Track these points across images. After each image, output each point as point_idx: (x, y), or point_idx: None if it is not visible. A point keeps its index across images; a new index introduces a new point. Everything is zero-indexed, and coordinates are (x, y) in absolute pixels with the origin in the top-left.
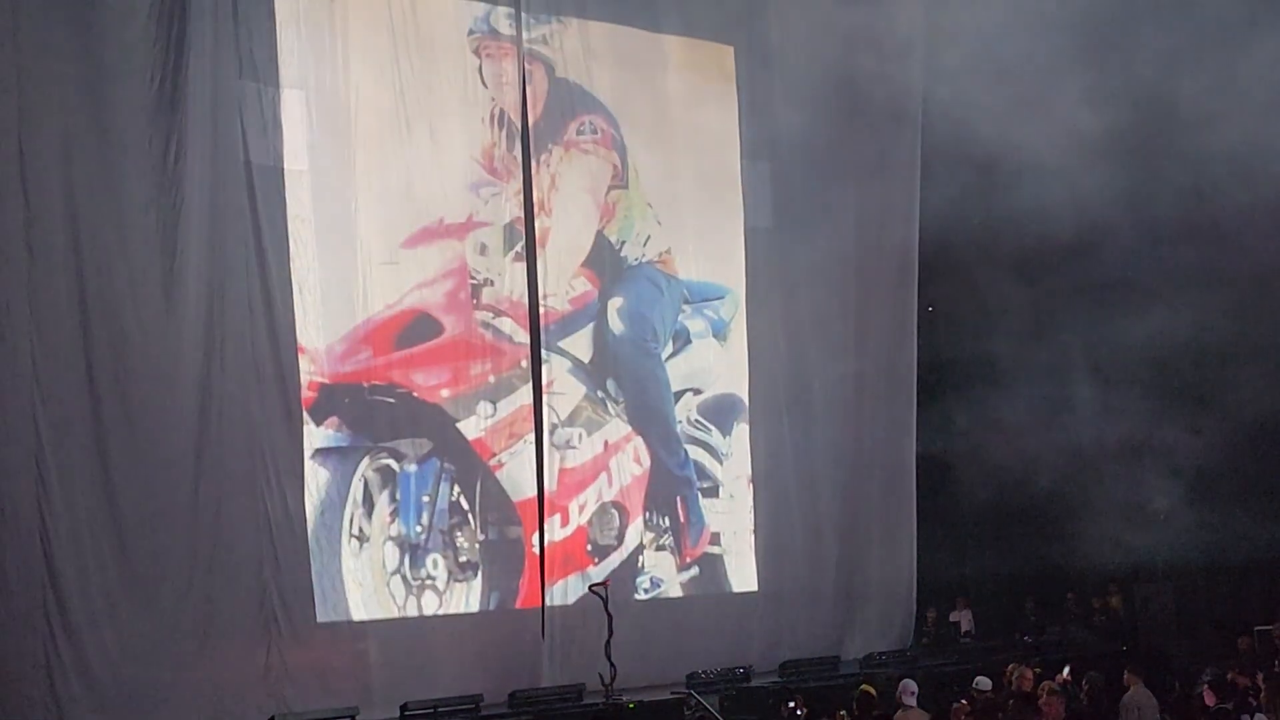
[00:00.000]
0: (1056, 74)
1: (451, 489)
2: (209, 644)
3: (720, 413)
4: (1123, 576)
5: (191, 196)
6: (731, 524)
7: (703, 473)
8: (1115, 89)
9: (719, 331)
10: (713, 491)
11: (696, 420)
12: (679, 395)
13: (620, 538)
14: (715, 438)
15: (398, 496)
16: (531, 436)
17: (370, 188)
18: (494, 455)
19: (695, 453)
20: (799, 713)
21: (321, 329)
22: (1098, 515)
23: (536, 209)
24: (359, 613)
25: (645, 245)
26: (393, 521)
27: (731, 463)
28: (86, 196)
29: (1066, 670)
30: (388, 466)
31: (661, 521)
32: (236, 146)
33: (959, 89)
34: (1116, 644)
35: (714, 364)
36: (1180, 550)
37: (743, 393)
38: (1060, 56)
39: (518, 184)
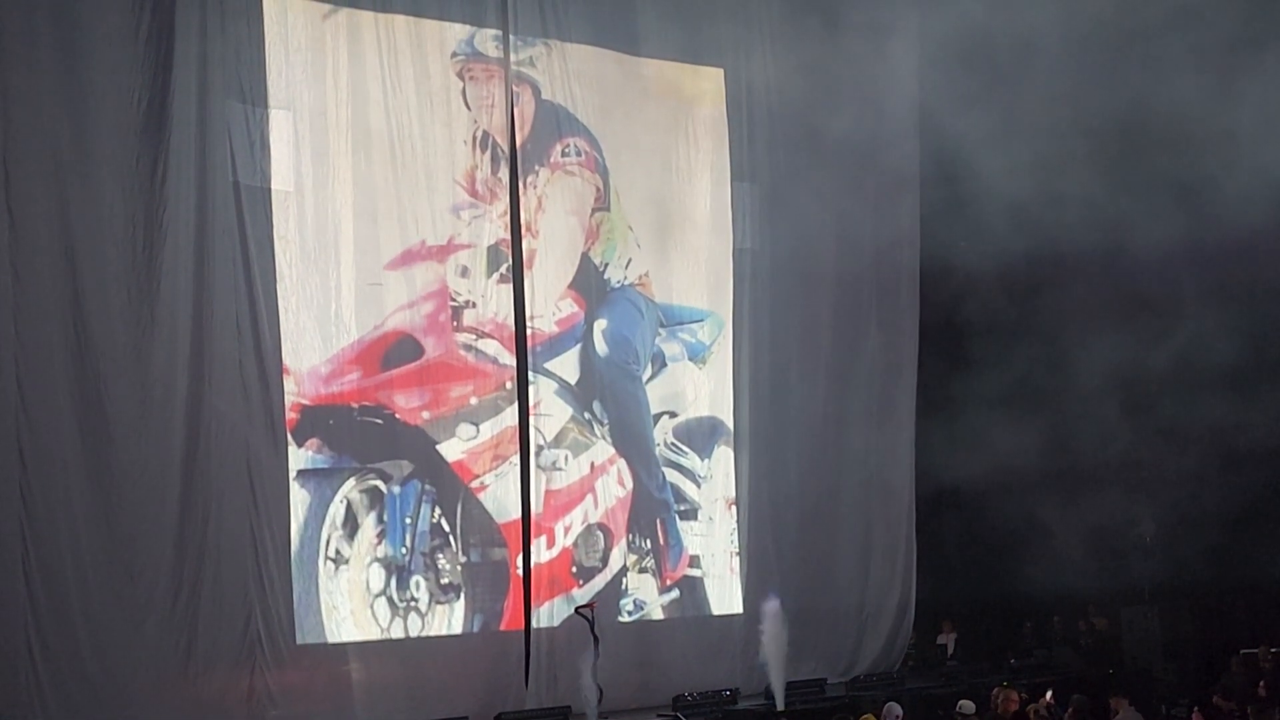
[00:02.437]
0: (1050, 94)
1: (432, 511)
2: (192, 666)
3: (698, 436)
4: (1109, 599)
5: (179, 217)
6: (710, 547)
7: (680, 495)
8: (1113, 105)
9: (697, 355)
10: (690, 514)
11: (672, 443)
12: (656, 418)
13: (605, 560)
14: (692, 461)
15: (385, 518)
16: (516, 458)
17: (355, 209)
18: (477, 477)
19: (671, 475)
20: None
21: (305, 350)
22: (1083, 538)
23: (523, 230)
24: (343, 635)
25: (627, 268)
26: (380, 543)
27: (710, 486)
28: (73, 217)
29: (1049, 694)
30: (375, 488)
31: (643, 544)
32: (224, 167)
33: (946, 106)
34: (1103, 667)
35: (688, 387)
36: (1167, 573)
37: (723, 415)
38: (1053, 76)
39: (501, 206)
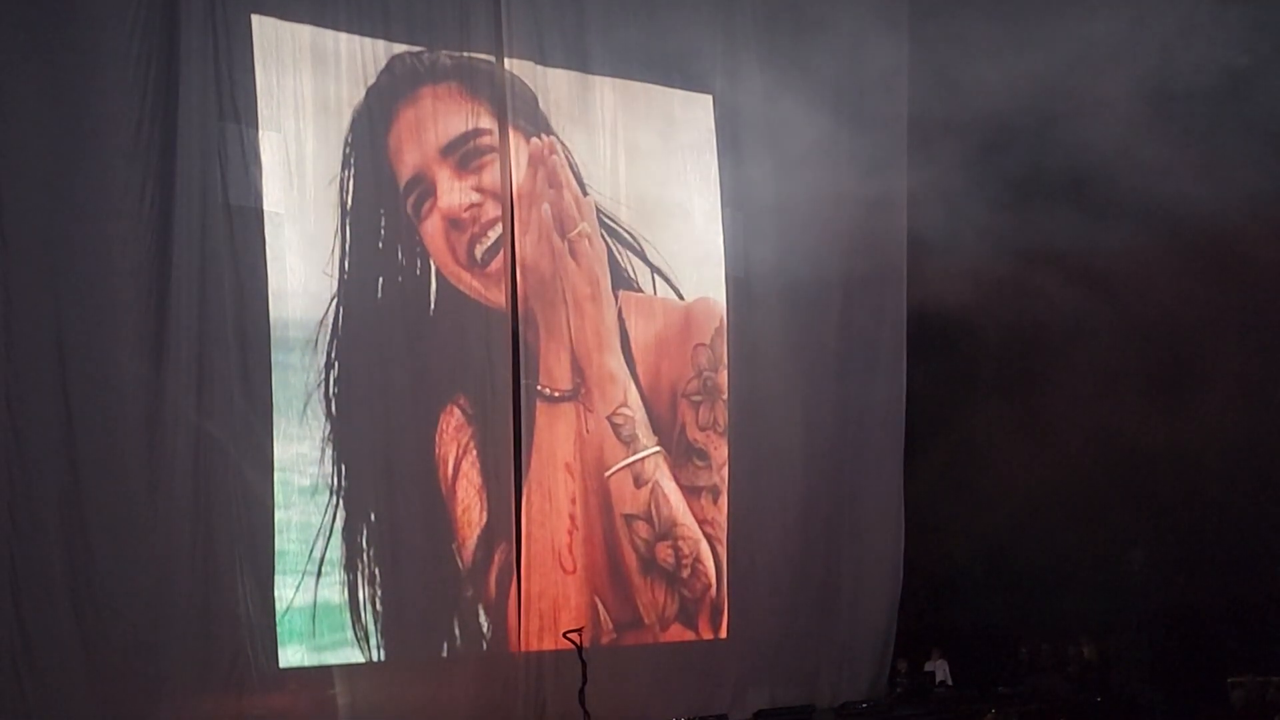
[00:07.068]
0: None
1: None
2: (178, 690)
3: None
4: (1096, 627)
5: (172, 239)
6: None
7: None
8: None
9: None
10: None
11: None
12: None
13: None
14: None
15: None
16: None
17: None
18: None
19: None
20: None
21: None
22: (1071, 565)
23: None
24: (330, 658)
25: None
26: (366, 563)
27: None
28: (65, 242)
29: None
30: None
31: None
32: (215, 188)
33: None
34: (1091, 695)
35: None
36: (1155, 601)
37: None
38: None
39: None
